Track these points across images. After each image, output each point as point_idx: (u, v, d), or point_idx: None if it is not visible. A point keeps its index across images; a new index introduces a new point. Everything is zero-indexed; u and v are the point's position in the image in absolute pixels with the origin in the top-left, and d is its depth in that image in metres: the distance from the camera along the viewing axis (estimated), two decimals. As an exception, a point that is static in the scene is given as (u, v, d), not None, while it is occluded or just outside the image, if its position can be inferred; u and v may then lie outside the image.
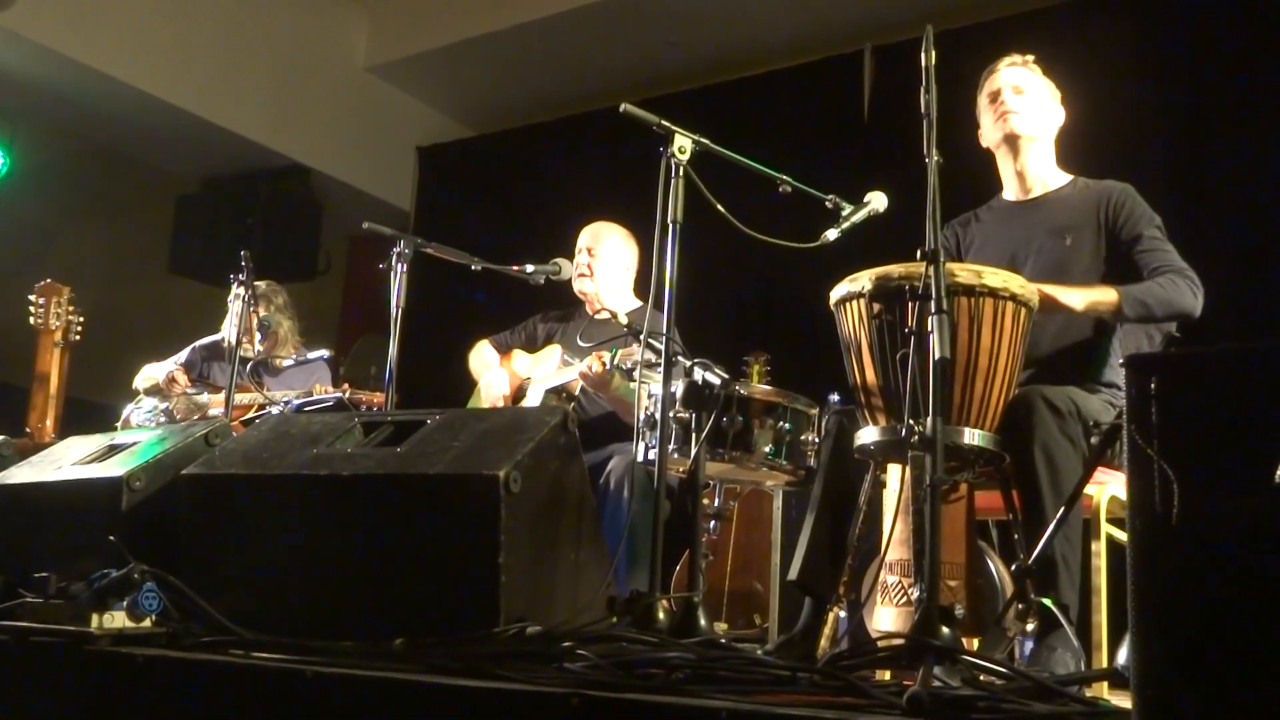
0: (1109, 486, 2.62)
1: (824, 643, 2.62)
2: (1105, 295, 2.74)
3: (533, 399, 4.00)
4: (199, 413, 4.58)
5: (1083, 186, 3.06)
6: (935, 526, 1.95)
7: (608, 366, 3.50)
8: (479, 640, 1.88)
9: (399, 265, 3.66)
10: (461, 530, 2.08)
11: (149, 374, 4.80)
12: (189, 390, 4.63)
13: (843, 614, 2.66)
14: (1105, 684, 2.21)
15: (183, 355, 4.89)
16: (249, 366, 4.63)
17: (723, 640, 2.28)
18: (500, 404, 4.08)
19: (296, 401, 4.26)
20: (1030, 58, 3.13)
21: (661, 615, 2.26)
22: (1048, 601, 2.34)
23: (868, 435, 2.49)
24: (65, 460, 2.69)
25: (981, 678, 1.78)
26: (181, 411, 4.58)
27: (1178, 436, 1.29)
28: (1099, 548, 2.56)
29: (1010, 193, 3.16)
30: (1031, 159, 3.09)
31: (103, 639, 1.97)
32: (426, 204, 7.54)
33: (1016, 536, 2.48)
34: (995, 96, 3.08)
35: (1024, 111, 3.05)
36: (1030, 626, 2.37)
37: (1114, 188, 3.00)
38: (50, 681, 2.01)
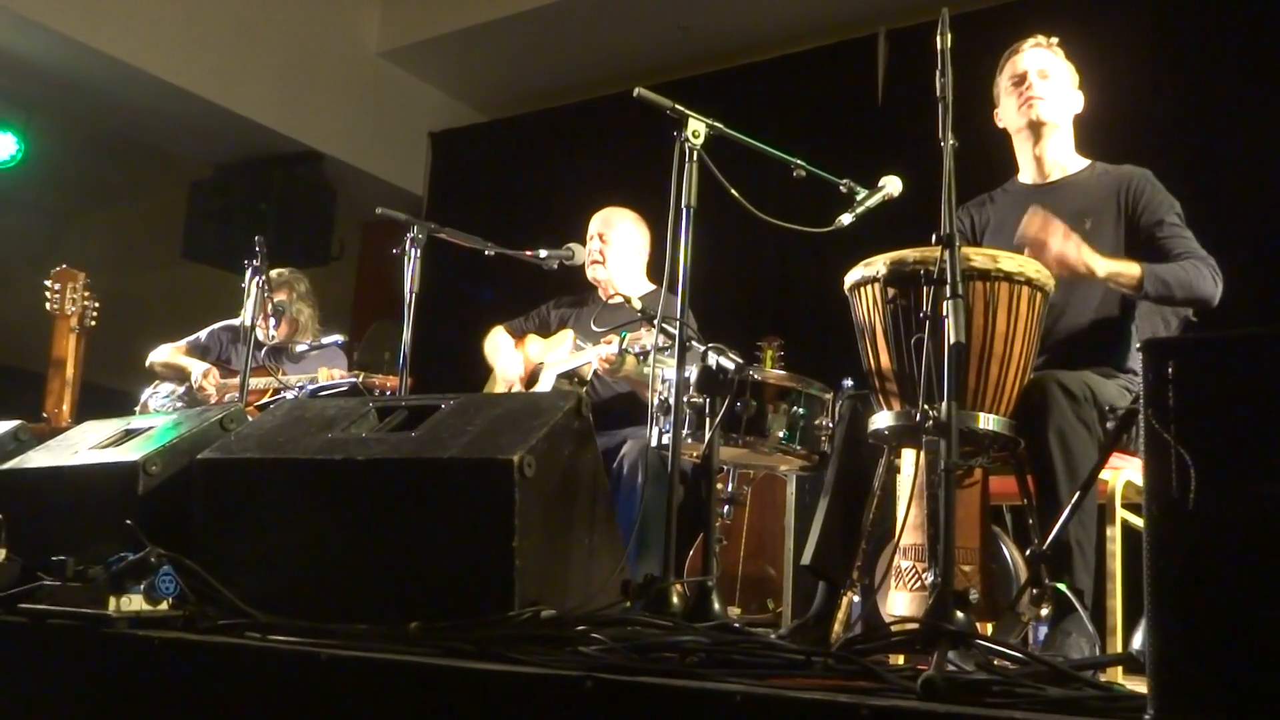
0: (1124, 471, 2.61)
1: (837, 627, 2.63)
2: (1129, 268, 2.72)
3: (545, 384, 4.01)
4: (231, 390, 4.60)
5: (1101, 171, 3.05)
6: (950, 511, 1.95)
7: (618, 350, 3.50)
8: (493, 624, 1.89)
9: (412, 250, 3.66)
10: (476, 514, 2.09)
11: (162, 356, 4.83)
12: (222, 382, 4.65)
13: (856, 599, 2.66)
14: (1120, 668, 2.21)
15: (201, 336, 4.91)
16: (264, 351, 4.65)
17: (736, 625, 2.29)
18: (515, 386, 4.10)
19: (311, 386, 4.27)
20: (1055, 40, 3.10)
21: (675, 599, 2.26)
22: (1062, 586, 2.34)
23: (882, 420, 2.48)
24: (82, 445, 2.70)
25: (996, 662, 1.78)
26: (219, 398, 4.60)
27: (1195, 421, 1.29)
28: (1114, 533, 2.56)
29: (1027, 176, 3.14)
30: (1051, 144, 3.07)
31: (120, 622, 1.98)
32: (439, 189, 7.54)
33: (1031, 521, 2.48)
34: (1021, 80, 3.04)
35: (1049, 98, 3.03)
36: (1045, 611, 2.37)
37: (1133, 173, 2.98)
38: (68, 664, 2.03)
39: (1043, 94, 3.02)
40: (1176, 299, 2.78)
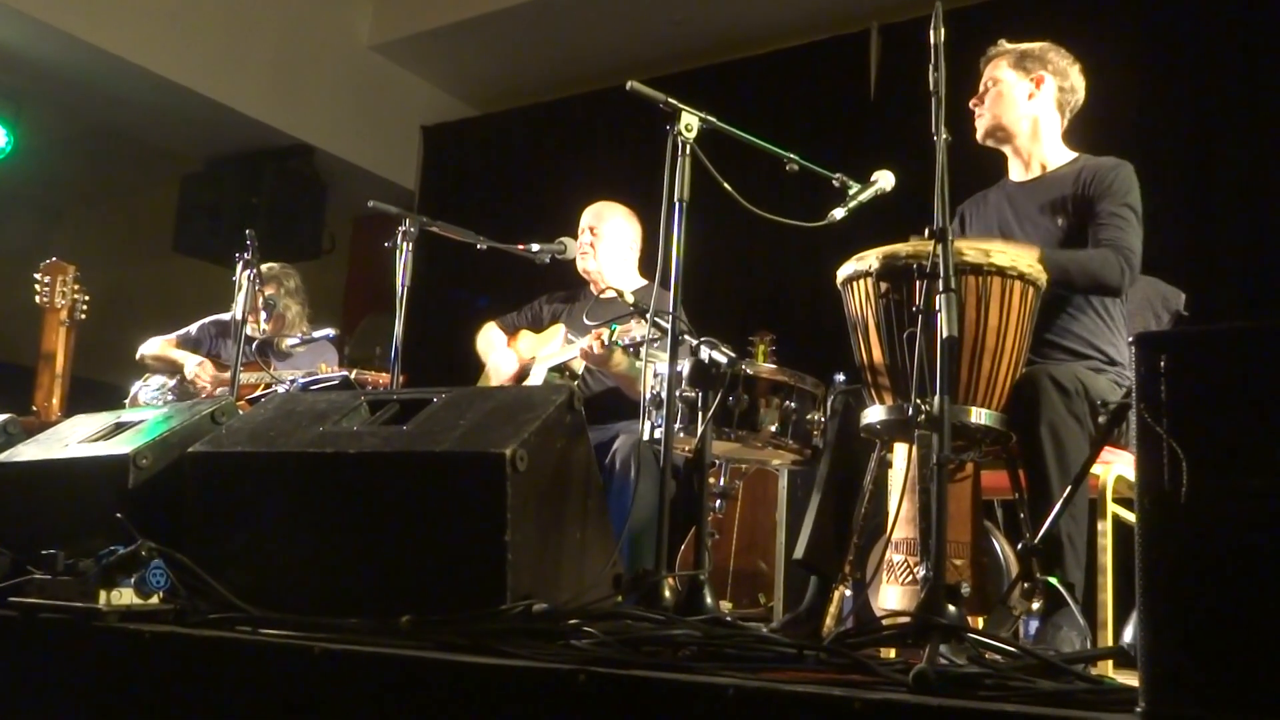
0: (1115, 466, 2.62)
1: (829, 621, 2.63)
2: (1029, 253, 2.72)
3: (536, 378, 4.00)
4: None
5: (1081, 165, 3.03)
6: (941, 505, 1.95)
7: (606, 343, 3.50)
8: (485, 617, 1.89)
9: (404, 244, 3.65)
10: (468, 508, 2.09)
11: (153, 349, 4.81)
12: (217, 375, 4.65)
13: (848, 593, 2.66)
14: (1111, 662, 2.21)
15: (191, 330, 4.90)
16: (254, 345, 4.64)
17: (728, 619, 2.29)
18: (507, 382, 4.09)
19: (302, 380, 4.26)
20: (1001, 42, 3.11)
21: (667, 593, 2.26)
22: (1054, 580, 2.34)
23: (874, 414, 2.49)
24: (72, 438, 2.69)
25: (987, 656, 1.78)
26: (211, 392, 4.59)
27: (1187, 414, 1.29)
28: (1105, 527, 2.57)
29: (1015, 173, 3.15)
30: (1024, 143, 3.08)
31: (110, 615, 1.97)
32: (431, 183, 7.53)
33: (1023, 516, 2.48)
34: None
35: (989, 113, 3.07)
36: (1036, 605, 2.37)
37: (1104, 163, 2.97)
38: (58, 657, 2.02)
39: (981, 112, 3.08)
40: (1076, 285, 2.80)
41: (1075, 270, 2.75)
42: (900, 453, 2.51)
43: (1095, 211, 2.86)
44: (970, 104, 3.10)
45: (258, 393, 4.38)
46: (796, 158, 2.76)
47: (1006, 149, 3.12)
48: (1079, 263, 2.76)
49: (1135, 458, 1.33)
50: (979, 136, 3.10)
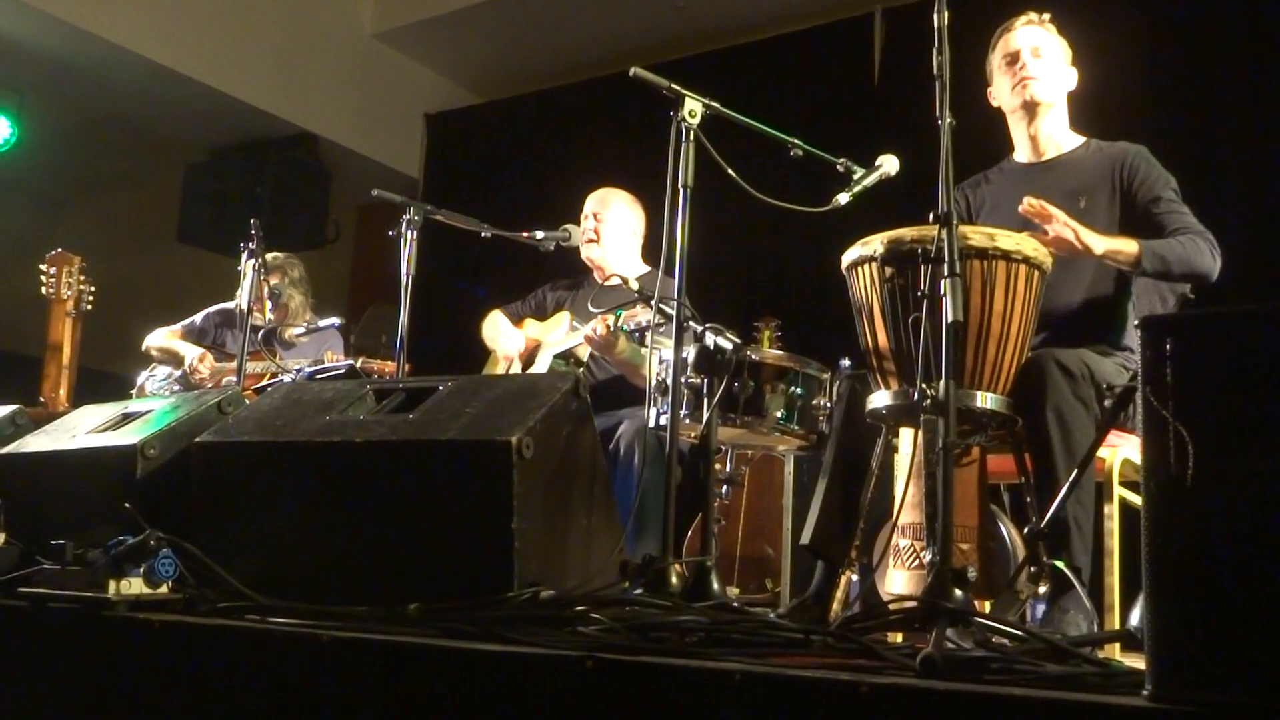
0: (1122, 449, 2.62)
1: (836, 606, 2.63)
2: (1126, 245, 2.72)
3: (541, 365, 4.01)
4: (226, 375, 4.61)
5: (1096, 149, 3.04)
6: (948, 490, 1.95)
7: (612, 329, 3.50)
8: (493, 605, 1.89)
9: (409, 233, 3.65)
10: (474, 496, 2.09)
11: (158, 340, 4.82)
12: (217, 367, 4.65)
13: (855, 578, 2.67)
14: (1118, 645, 2.22)
15: (196, 320, 4.90)
16: (260, 335, 4.64)
17: (735, 604, 2.29)
18: (515, 359, 4.10)
19: (308, 369, 4.27)
20: (1046, 16, 3.09)
21: (674, 580, 2.27)
22: (1060, 564, 2.34)
23: (880, 399, 2.48)
24: (79, 429, 2.70)
25: (994, 639, 1.78)
26: (214, 382, 4.60)
27: (1193, 398, 1.29)
28: (1111, 510, 2.57)
29: (1022, 155, 3.13)
30: (1046, 123, 3.07)
31: (120, 605, 1.98)
32: (435, 171, 7.52)
33: (1029, 500, 2.48)
34: (1014, 59, 3.03)
35: (1042, 77, 3.02)
36: (1042, 589, 2.37)
37: (1128, 150, 2.98)
38: (68, 647, 2.03)
39: (1036, 74, 3.01)
40: (1174, 274, 2.78)
41: (1174, 260, 2.74)
42: (906, 437, 2.51)
43: (1150, 200, 2.86)
44: (1020, 62, 3.00)
45: (264, 382, 4.38)
46: (800, 143, 2.76)
47: (1022, 126, 3.09)
48: (1175, 253, 2.75)
49: (1141, 441, 1.32)
50: (1027, 95, 3.01)
